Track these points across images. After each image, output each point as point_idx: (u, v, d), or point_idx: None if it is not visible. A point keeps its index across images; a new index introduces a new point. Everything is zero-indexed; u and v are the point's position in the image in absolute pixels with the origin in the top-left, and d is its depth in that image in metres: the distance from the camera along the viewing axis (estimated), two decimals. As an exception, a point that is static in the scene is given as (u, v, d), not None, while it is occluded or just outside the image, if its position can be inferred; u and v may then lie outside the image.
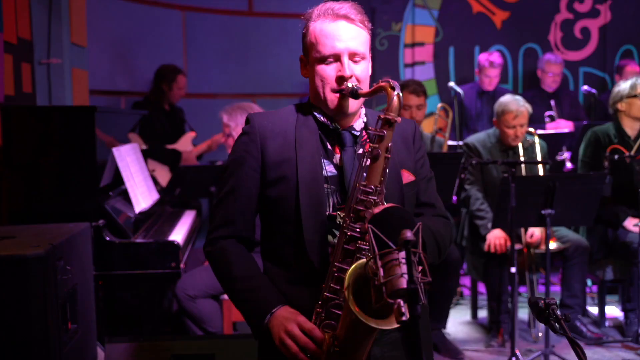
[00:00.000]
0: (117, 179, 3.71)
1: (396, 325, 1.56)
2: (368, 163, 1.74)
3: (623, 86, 4.49)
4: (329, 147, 1.88)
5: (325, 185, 1.84)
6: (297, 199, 1.81)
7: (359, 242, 1.71)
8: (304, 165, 1.83)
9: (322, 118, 1.89)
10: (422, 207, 1.96)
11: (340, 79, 1.82)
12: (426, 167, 2.00)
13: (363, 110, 1.94)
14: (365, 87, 1.85)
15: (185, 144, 5.49)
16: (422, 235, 1.77)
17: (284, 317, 1.74)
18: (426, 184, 1.98)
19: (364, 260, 1.64)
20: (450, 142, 5.40)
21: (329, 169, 1.86)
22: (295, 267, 1.84)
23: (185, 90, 5.72)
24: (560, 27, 7.07)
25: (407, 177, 1.91)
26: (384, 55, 6.86)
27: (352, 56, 1.83)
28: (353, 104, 1.84)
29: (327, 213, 1.83)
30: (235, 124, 3.77)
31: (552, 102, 6.08)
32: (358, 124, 1.91)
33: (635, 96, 4.40)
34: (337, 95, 1.83)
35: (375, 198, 1.72)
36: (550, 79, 6.15)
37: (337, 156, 1.88)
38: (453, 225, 2.05)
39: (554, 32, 7.07)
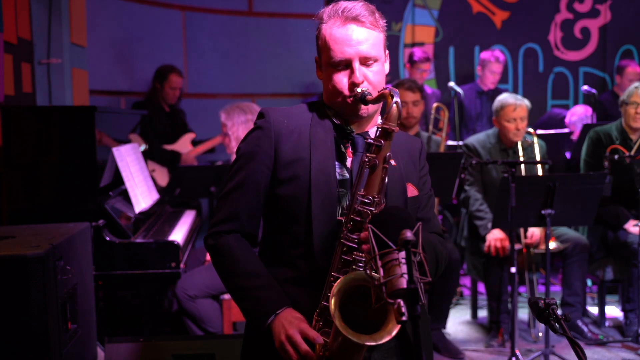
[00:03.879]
0: (117, 179, 3.71)
1: (386, 340, 1.56)
2: (366, 173, 1.73)
3: (626, 90, 4.54)
4: (343, 149, 1.87)
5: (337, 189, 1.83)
6: (309, 199, 1.79)
7: (355, 253, 1.71)
8: (317, 166, 1.81)
9: (337, 120, 1.88)
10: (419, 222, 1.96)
11: (352, 85, 1.80)
12: (428, 185, 1.99)
13: (379, 119, 1.92)
14: (378, 90, 1.81)
15: (183, 145, 5.48)
16: (427, 247, 1.76)
17: (287, 321, 1.72)
18: (426, 201, 1.97)
19: (351, 273, 1.64)
20: (450, 142, 5.40)
21: (340, 172, 1.84)
22: (300, 267, 1.82)
23: (180, 90, 5.68)
24: (560, 27, 7.07)
25: (412, 191, 1.90)
26: (384, 55, 6.85)
27: (364, 60, 1.80)
28: (367, 107, 1.82)
29: (336, 218, 1.81)
30: (232, 123, 3.78)
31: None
32: (373, 131, 1.88)
33: (628, 104, 4.44)
34: (350, 100, 1.81)
35: (372, 209, 1.71)
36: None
37: (350, 160, 1.86)
38: (445, 244, 2.04)
39: (554, 32, 7.07)
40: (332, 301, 1.59)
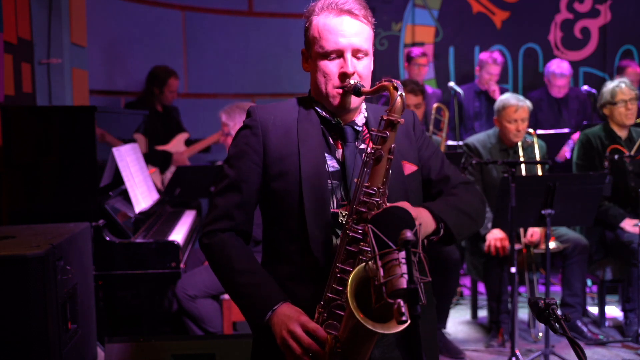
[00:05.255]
0: (117, 179, 3.71)
1: (399, 329, 1.55)
2: (371, 164, 1.73)
3: (605, 91, 4.54)
4: (331, 141, 1.87)
5: (329, 181, 1.83)
6: (301, 194, 1.80)
7: (361, 243, 1.70)
8: (307, 160, 1.82)
9: (323, 113, 1.88)
10: (438, 184, 1.94)
11: (343, 76, 1.81)
12: (432, 146, 1.98)
13: (364, 106, 1.94)
14: (367, 84, 1.83)
15: (177, 145, 5.47)
16: (445, 215, 1.76)
17: (286, 316, 1.72)
18: (435, 161, 1.96)
19: (363, 265, 1.63)
20: (450, 142, 5.40)
21: (331, 164, 1.85)
22: (298, 263, 1.82)
23: (177, 92, 5.66)
24: (560, 27, 7.07)
25: (409, 167, 1.90)
26: (384, 55, 6.86)
27: (355, 52, 1.82)
28: (355, 100, 1.83)
29: (331, 210, 1.81)
30: (234, 123, 3.78)
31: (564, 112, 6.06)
32: (359, 119, 1.90)
33: (615, 104, 4.44)
34: (340, 91, 1.82)
35: (378, 200, 1.71)
36: (556, 90, 6.11)
37: (340, 151, 1.86)
38: (475, 189, 2.02)
39: (554, 32, 7.07)
40: (348, 289, 1.58)
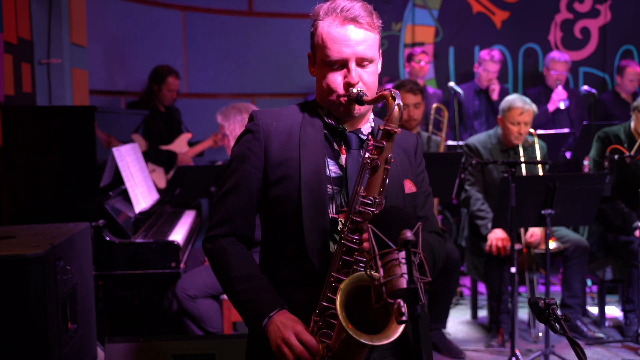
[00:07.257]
0: (117, 179, 3.71)
1: (390, 340, 1.56)
2: (367, 174, 1.73)
3: None
4: (336, 147, 1.87)
5: (329, 186, 1.82)
6: (299, 198, 1.80)
7: (356, 253, 1.70)
8: (307, 165, 1.82)
9: (328, 119, 1.87)
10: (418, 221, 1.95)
11: (347, 85, 1.80)
12: (426, 182, 1.99)
13: (372, 116, 1.93)
14: (372, 91, 1.83)
15: (180, 145, 5.47)
16: (424, 247, 1.77)
17: (282, 323, 1.72)
18: (425, 199, 1.97)
19: (357, 274, 1.64)
20: (450, 142, 5.40)
21: (333, 170, 1.84)
22: (295, 267, 1.82)
23: (177, 92, 5.67)
24: (560, 27, 7.07)
25: (410, 187, 1.90)
26: (384, 55, 6.80)
27: (360, 61, 1.81)
28: (359, 107, 1.82)
29: (330, 215, 1.81)
30: (229, 124, 3.77)
31: (566, 102, 6.03)
32: (365, 127, 1.89)
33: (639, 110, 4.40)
34: (344, 99, 1.81)
35: (374, 210, 1.70)
36: (555, 78, 6.12)
37: (344, 157, 1.86)
38: (444, 243, 2.03)
39: (554, 32, 7.07)
40: (338, 300, 1.59)
